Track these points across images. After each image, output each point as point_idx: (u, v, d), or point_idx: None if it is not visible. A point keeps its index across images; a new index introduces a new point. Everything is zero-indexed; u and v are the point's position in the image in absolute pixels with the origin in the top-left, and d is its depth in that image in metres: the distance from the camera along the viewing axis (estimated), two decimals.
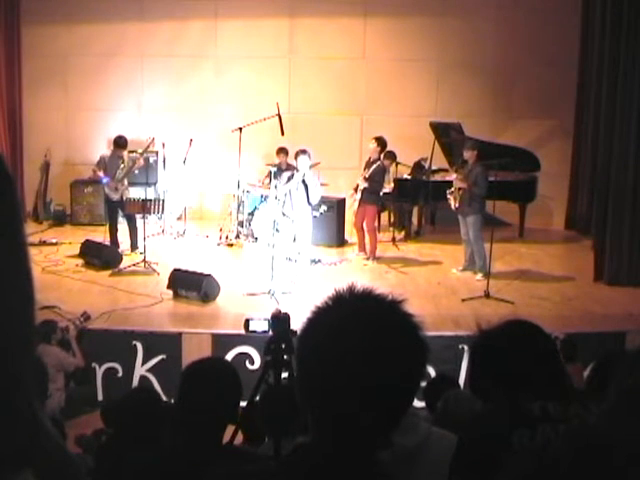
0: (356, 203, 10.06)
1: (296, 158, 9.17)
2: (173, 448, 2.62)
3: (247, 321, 4.92)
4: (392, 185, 10.78)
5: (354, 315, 1.33)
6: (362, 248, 10.19)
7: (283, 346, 4.48)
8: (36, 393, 1.00)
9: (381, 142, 10.04)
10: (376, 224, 10.47)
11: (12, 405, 0.94)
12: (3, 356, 0.93)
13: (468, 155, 9.16)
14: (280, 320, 4.55)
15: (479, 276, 9.07)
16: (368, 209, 9.99)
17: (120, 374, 7.27)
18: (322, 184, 10.03)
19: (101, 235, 10.16)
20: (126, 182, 9.91)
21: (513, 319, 2.41)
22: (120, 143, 9.99)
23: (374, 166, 9.89)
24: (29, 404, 0.98)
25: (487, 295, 8.36)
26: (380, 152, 10.04)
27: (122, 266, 9.29)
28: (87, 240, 9.82)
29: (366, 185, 9.85)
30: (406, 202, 11.24)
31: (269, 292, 8.26)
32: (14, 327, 0.95)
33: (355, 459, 1.33)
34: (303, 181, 9.08)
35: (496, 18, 12.01)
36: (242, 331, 5.15)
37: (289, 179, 9.16)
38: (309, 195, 9.10)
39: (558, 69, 11.90)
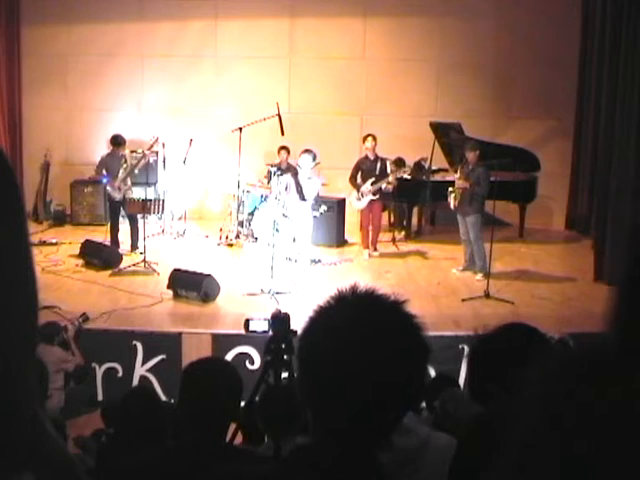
0: (364, 203, 10.05)
1: (299, 157, 9.25)
2: (177, 448, 2.63)
3: (247, 321, 4.93)
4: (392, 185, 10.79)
5: (356, 315, 1.33)
6: (366, 245, 10.24)
7: (283, 346, 4.48)
8: (37, 394, 1.00)
9: (372, 135, 10.11)
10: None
11: (13, 406, 0.94)
12: (5, 357, 0.93)
13: (470, 156, 9.16)
14: (280, 320, 4.56)
15: (479, 276, 9.07)
16: (375, 206, 10.05)
17: (120, 374, 7.27)
18: (323, 184, 10.05)
19: (101, 235, 10.16)
20: (129, 182, 9.92)
21: (510, 322, 2.43)
22: (117, 142, 9.99)
23: (379, 162, 9.95)
24: (31, 405, 0.98)
25: (487, 295, 8.36)
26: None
27: (122, 266, 9.29)
28: (87, 240, 9.82)
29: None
30: (406, 202, 11.24)
31: (269, 292, 8.26)
32: (17, 328, 0.95)
33: (356, 460, 1.33)
34: (296, 178, 9.09)
35: (496, 18, 12.01)
36: (242, 331, 5.15)
37: (282, 174, 9.32)
38: (302, 191, 9.11)
39: (558, 69, 11.90)
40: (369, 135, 10.11)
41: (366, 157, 10.07)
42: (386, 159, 10.23)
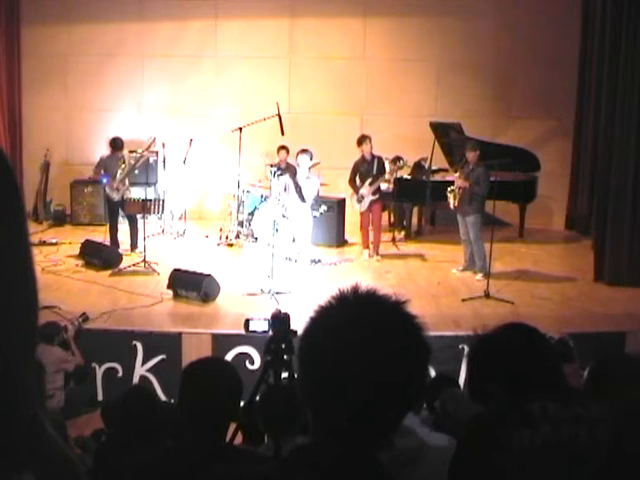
0: (365, 205, 10.00)
1: (297, 157, 9.18)
2: (177, 448, 2.63)
3: (247, 321, 4.93)
4: (392, 185, 10.78)
5: (357, 315, 1.33)
6: (366, 246, 10.21)
7: (283, 346, 4.48)
8: (37, 394, 1.00)
9: (368, 137, 10.02)
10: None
11: (13, 406, 0.94)
12: (5, 357, 0.93)
13: (471, 156, 9.16)
14: (280, 320, 4.56)
15: (479, 276, 9.07)
16: (375, 206, 10.02)
17: (120, 374, 7.26)
18: (322, 184, 10.04)
19: (101, 235, 10.16)
20: (127, 182, 9.91)
21: (510, 322, 2.43)
22: (116, 145, 9.99)
23: (376, 161, 9.90)
24: (31, 405, 0.98)
25: (487, 295, 8.36)
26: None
27: (122, 266, 9.29)
28: (87, 240, 9.82)
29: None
30: (406, 202, 11.24)
31: (269, 292, 8.26)
32: (17, 328, 0.95)
33: (356, 460, 1.33)
34: (295, 179, 9.05)
35: (496, 18, 12.01)
36: (242, 331, 5.15)
37: (282, 174, 9.24)
38: (302, 193, 9.09)
39: (558, 69, 11.90)
40: (366, 137, 9.97)
41: (362, 158, 9.99)
42: (382, 157, 10.18)
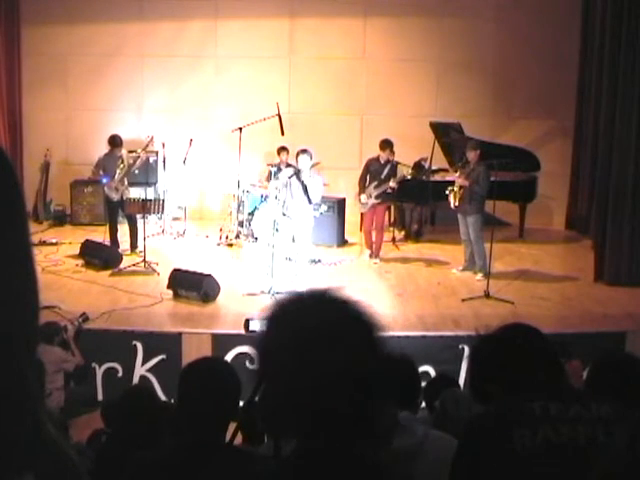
0: (367, 206, 9.97)
1: (297, 158, 9.12)
2: (177, 448, 2.62)
3: (247, 321, 4.94)
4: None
5: (312, 319, 1.36)
6: (369, 246, 10.19)
7: None
8: (38, 394, 1.00)
9: (391, 144, 9.94)
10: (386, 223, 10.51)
11: (14, 407, 0.94)
12: (7, 358, 0.93)
13: (471, 155, 9.15)
14: None
15: (479, 276, 9.07)
16: (379, 208, 9.99)
17: (120, 374, 7.27)
18: (324, 184, 10.02)
19: (101, 235, 10.16)
20: (126, 182, 9.91)
21: (511, 322, 2.43)
22: (115, 142, 9.98)
23: (388, 166, 9.83)
24: (31, 405, 0.97)
25: (487, 295, 8.36)
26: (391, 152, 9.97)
27: (122, 266, 9.29)
28: (87, 240, 9.82)
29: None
30: (406, 202, 11.23)
31: (269, 292, 8.25)
32: (18, 329, 0.95)
33: (356, 459, 1.33)
34: (302, 181, 9.00)
35: (496, 18, 12.01)
36: (242, 331, 5.16)
37: (291, 176, 9.06)
38: (308, 195, 9.04)
39: (558, 69, 11.90)
40: (388, 145, 9.80)
41: (377, 159, 9.94)
42: (397, 164, 10.09)
